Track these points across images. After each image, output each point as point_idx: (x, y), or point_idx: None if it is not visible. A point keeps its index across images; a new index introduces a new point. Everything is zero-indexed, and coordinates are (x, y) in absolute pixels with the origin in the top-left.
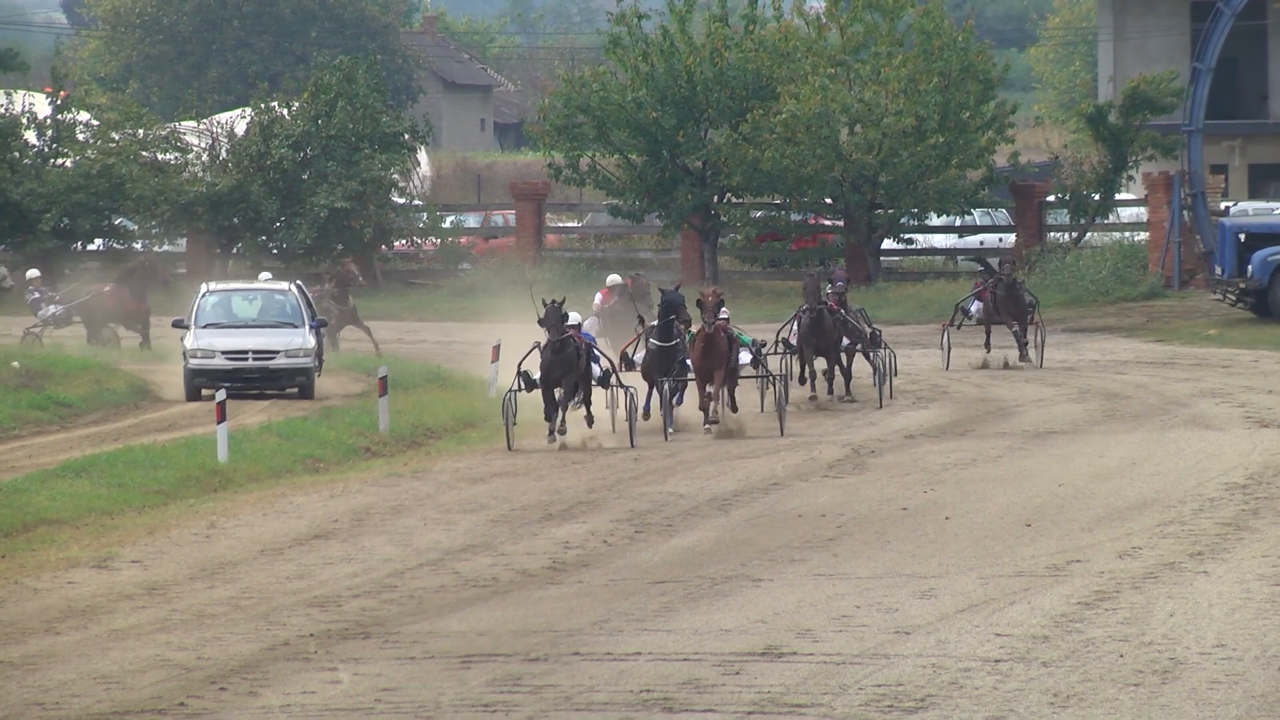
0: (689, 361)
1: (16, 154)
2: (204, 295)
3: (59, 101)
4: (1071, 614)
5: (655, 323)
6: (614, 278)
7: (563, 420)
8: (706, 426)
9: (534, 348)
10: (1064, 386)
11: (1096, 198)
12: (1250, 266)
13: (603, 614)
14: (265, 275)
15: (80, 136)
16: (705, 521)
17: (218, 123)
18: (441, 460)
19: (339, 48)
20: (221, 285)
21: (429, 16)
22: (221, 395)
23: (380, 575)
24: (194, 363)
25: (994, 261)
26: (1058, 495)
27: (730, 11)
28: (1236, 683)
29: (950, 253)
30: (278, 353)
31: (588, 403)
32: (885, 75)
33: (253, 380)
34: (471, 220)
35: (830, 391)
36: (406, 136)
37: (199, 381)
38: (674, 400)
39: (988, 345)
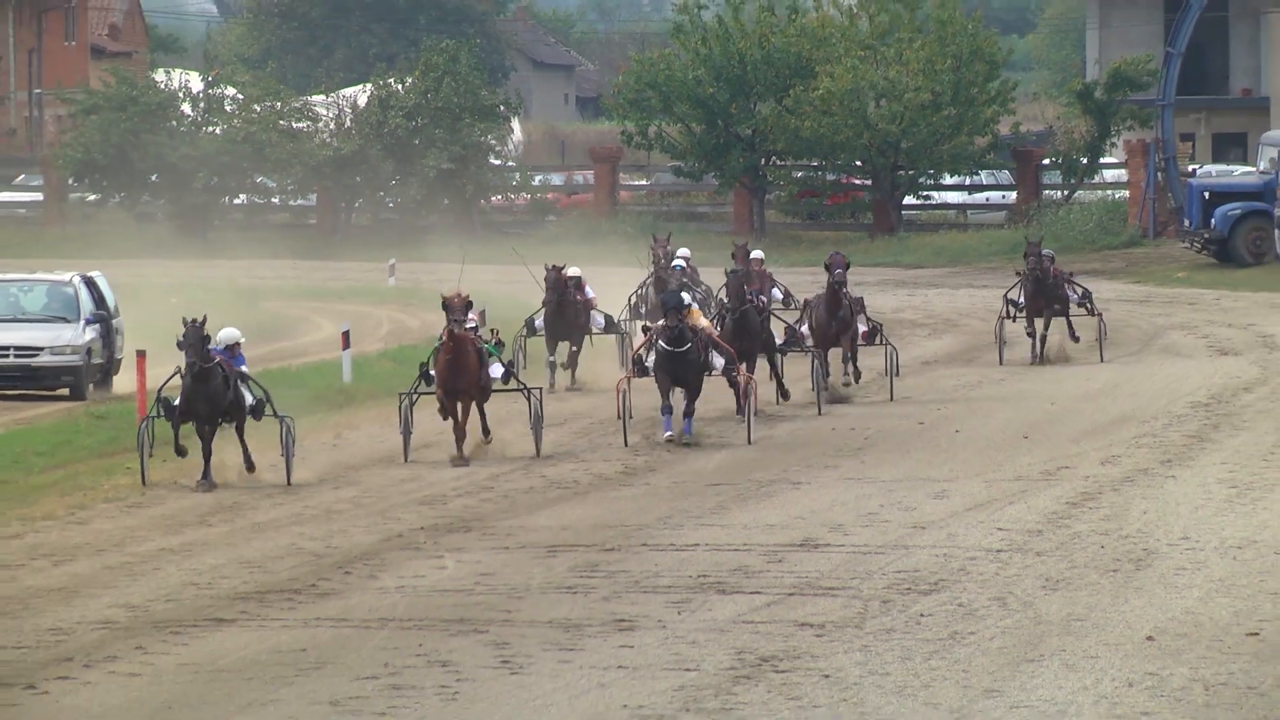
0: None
1: (174, 123)
2: None
3: (210, 79)
4: (1061, 512)
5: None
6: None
7: (206, 468)
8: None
9: (175, 372)
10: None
11: (1084, 161)
12: (1213, 220)
13: (666, 511)
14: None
15: (227, 108)
16: (753, 434)
17: (343, 96)
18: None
19: (445, 33)
20: None
21: (520, 6)
22: (346, 327)
23: (479, 479)
24: None
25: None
26: (1050, 412)
27: (777, 3)
28: (1199, 569)
29: (961, 207)
30: (42, 349)
31: (240, 431)
32: (906, 57)
33: (14, 379)
34: (556, 179)
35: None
36: (502, 108)
37: None
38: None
39: (1030, 333)
